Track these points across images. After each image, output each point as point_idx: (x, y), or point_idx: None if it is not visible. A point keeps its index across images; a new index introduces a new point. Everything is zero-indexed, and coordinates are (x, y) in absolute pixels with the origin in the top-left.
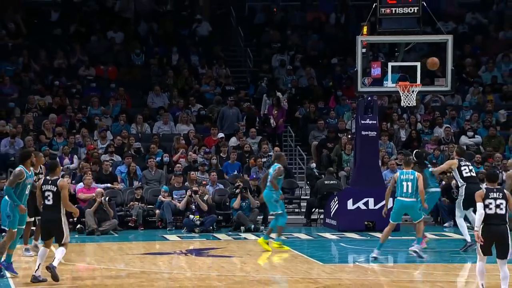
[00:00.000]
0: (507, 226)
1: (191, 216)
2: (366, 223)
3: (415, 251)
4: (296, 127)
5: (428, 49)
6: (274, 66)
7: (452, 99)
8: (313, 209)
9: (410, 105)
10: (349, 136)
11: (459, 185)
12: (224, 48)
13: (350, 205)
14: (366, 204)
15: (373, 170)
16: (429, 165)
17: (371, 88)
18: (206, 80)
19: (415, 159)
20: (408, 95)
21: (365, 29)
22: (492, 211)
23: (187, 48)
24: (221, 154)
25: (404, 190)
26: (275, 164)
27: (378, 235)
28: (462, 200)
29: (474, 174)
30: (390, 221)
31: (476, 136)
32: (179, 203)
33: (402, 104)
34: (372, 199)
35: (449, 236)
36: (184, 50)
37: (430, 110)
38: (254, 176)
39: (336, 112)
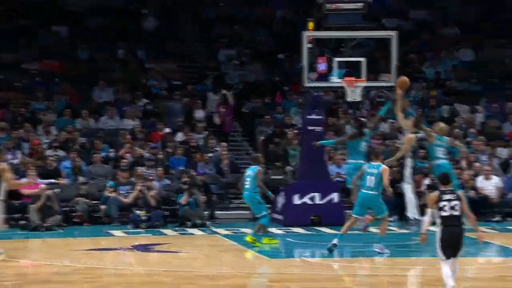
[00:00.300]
0: (463, 227)
1: (137, 212)
2: (312, 218)
3: (376, 252)
4: (243, 122)
5: (374, 45)
6: (221, 61)
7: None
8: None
9: (355, 100)
10: (296, 131)
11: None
12: (172, 42)
13: (296, 200)
14: (312, 199)
15: (319, 165)
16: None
17: (317, 83)
18: (153, 74)
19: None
20: (353, 91)
21: (311, 25)
22: (447, 213)
23: (134, 43)
24: (167, 149)
25: (367, 183)
26: (254, 166)
27: (325, 230)
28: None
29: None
30: (353, 214)
31: (420, 131)
32: (125, 198)
33: (347, 99)
34: (318, 194)
35: (394, 230)
36: (131, 44)
37: (375, 105)
38: (201, 171)
39: (283, 107)
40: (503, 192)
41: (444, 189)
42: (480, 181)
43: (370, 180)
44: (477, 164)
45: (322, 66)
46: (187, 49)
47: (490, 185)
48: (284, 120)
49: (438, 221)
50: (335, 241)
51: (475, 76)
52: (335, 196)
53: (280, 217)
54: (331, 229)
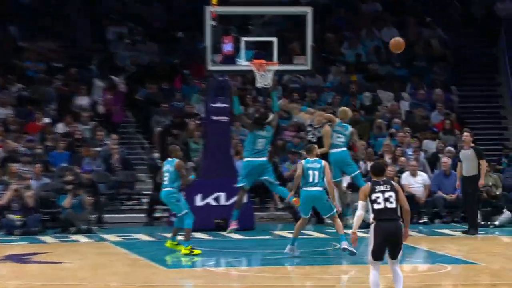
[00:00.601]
0: (400, 222)
1: (11, 216)
2: (216, 221)
3: (344, 249)
4: (136, 111)
5: (286, 23)
6: (110, 39)
7: (313, 79)
8: (156, 206)
9: (266, 86)
10: (198, 122)
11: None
12: (50, 17)
13: (198, 200)
14: (217, 199)
15: (225, 161)
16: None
17: (222, 66)
18: (29, 55)
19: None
20: (263, 75)
21: None
22: (381, 206)
23: (5, 17)
24: (47, 143)
25: (310, 180)
26: (172, 159)
27: (231, 235)
28: None
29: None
30: (302, 215)
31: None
32: None
33: (257, 85)
34: (224, 193)
35: (310, 235)
36: (2, 19)
37: (288, 92)
38: (87, 168)
39: (183, 94)
40: (430, 190)
41: (377, 180)
42: (406, 178)
43: (313, 176)
44: (402, 159)
45: (227, 47)
46: (69, 26)
47: (416, 183)
48: (185, 109)
49: (371, 216)
50: (288, 249)
51: (400, 59)
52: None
53: None
54: (238, 233)
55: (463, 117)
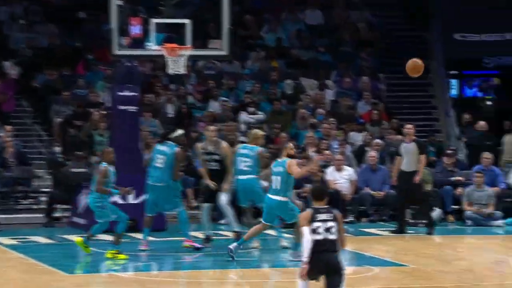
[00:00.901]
0: (338, 254)
1: None
2: None
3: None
4: (33, 100)
5: (200, 4)
6: (2, 20)
7: (230, 65)
8: (56, 205)
9: (179, 72)
10: (103, 112)
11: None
12: None
13: None
14: (124, 197)
15: (133, 155)
16: None
17: (130, 51)
18: None
19: None
20: (176, 61)
21: None
22: (321, 237)
23: None
24: None
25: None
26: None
27: (141, 236)
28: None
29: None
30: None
31: (258, 112)
32: None
33: (168, 72)
34: (133, 191)
35: (226, 236)
36: None
37: (203, 79)
38: None
39: (86, 81)
40: (357, 186)
41: (318, 206)
42: (330, 173)
43: (276, 181)
44: (326, 152)
45: (136, 29)
46: None
47: (342, 178)
48: (88, 97)
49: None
50: (232, 245)
51: (324, 44)
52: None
53: (82, 221)
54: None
55: (391, 107)
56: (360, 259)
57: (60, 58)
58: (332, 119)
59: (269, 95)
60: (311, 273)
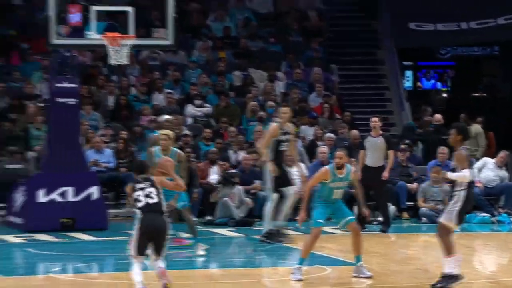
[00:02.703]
0: (164, 216)
1: None
2: (63, 220)
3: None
4: None
5: None
6: None
7: (175, 55)
8: None
9: (121, 63)
10: (40, 105)
11: None
12: None
13: (41, 196)
14: (63, 195)
15: (73, 150)
16: None
17: (68, 40)
18: None
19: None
20: (118, 50)
21: None
22: (143, 203)
23: None
24: None
25: None
26: None
27: (80, 235)
28: None
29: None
30: None
31: (205, 104)
32: None
33: (110, 62)
34: (72, 188)
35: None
36: None
37: (147, 70)
38: None
39: (21, 72)
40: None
41: (138, 178)
42: None
43: None
44: None
45: (75, 17)
46: None
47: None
48: (24, 89)
49: (137, 214)
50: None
51: (273, 32)
52: (93, 191)
53: (18, 220)
54: (88, 234)
55: (344, 99)
56: (312, 259)
57: None
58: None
59: (217, 87)
60: (141, 238)
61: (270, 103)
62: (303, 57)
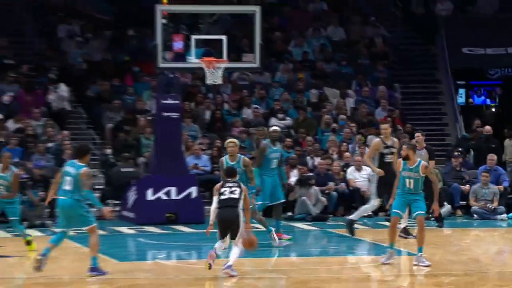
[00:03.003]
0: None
1: None
2: (167, 215)
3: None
4: (88, 107)
5: (233, 21)
6: (61, 37)
7: (261, 76)
8: (108, 201)
9: (216, 83)
10: (149, 118)
11: None
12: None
13: (149, 195)
14: (167, 194)
15: (176, 156)
16: None
17: (172, 64)
18: None
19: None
20: (213, 72)
21: None
22: (226, 196)
23: None
24: None
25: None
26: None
27: (181, 228)
28: None
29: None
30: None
31: (287, 118)
32: None
33: (207, 82)
34: (175, 188)
35: (257, 228)
36: None
37: (237, 88)
38: (40, 164)
39: (134, 91)
40: None
41: (228, 179)
42: (351, 173)
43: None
44: (347, 154)
45: (178, 45)
46: (19, 21)
47: (361, 177)
48: (136, 105)
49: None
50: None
51: (345, 57)
52: (193, 191)
53: (131, 214)
54: (188, 227)
55: (405, 113)
56: (378, 249)
57: (111, 70)
58: (352, 124)
59: (296, 103)
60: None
61: (342, 116)
62: (371, 77)
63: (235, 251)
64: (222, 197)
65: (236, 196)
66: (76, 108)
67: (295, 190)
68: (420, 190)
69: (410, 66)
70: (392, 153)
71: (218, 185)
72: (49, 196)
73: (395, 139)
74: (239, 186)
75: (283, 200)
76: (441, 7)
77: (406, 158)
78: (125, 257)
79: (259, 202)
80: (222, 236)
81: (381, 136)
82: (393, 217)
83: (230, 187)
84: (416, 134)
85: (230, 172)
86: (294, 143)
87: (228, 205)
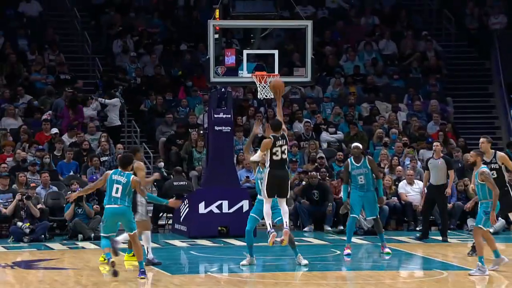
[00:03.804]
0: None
1: (20, 223)
2: (219, 228)
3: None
4: (141, 121)
5: (285, 35)
6: (115, 52)
7: (312, 90)
8: (161, 214)
9: (267, 97)
10: (201, 132)
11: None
12: (57, 31)
13: (201, 208)
14: (219, 207)
15: (228, 170)
16: None
17: (224, 78)
18: (37, 67)
19: None
20: (265, 86)
21: (217, 13)
22: (279, 157)
23: (14, 31)
24: (55, 152)
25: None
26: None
27: (233, 241)
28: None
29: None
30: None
31: (338, 132)
32: (5, 208)
33: (258, 96)
34: (226, 201)
35: (310, 242)
36: (10, 32)
37: (289, 103)
38: (94, 177)
39: (186, 105)
40: None
41: (277, 134)
42: (402, 187)
43: None
44: (399, 168)
45: (230, 59)
46: (75, 39)
47: (413, 191)
48: (188, 119)
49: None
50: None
51: (397, 71)
52: (244, 204)
53: (183, 227)
54: (240, 240)
55: (458, 127)
56: (430, 263)
57: (164, 85)
58: (404, 138)
59: (347, 117)
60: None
61: (393, 130)
62: (422, 91)
63: None
64: (275, 158)
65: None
66: (130, 122)
67: (346, 204)
68: (482, 198)
69: (463, 79)
70: (495, 169)
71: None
72: (74, 195)
73: (501, 156)
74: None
75: (373, 217)
76: (495, 20)
77: (473, 165)
78: (178, 270)
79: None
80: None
81: (481, 151)
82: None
83: (281, 145)
84: (435, 144)
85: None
86: (345, 157)
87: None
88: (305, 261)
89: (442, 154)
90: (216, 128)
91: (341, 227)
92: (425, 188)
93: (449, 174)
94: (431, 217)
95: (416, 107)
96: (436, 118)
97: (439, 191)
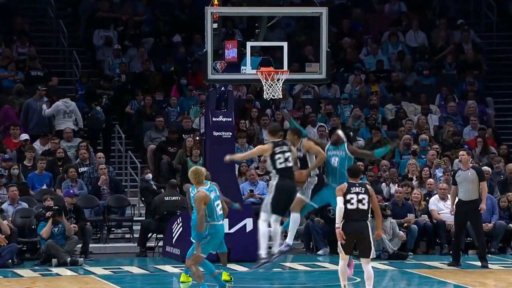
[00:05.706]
0: (367, 222)
1: None
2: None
3: None
4: (126, 125)
5: (296, 25)
6: (96, 45)
7: (328, 90)
8: (150, 234)
9: (275, 97)
10: (197, 138)
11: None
12: (27, 19)
13: None
14: None
15: (228, 182)
16: None
17: (225, 75)
18: (3, 62)
19: None
20: (272, 85)
21: None
22: (354, 206)
23: None
24: (25, 162)
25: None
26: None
27: (234, 267)
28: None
29: (290, 165)
30: None
31: (358, 138)
32: None
33: (265, 97)
34: (227, 220)
35: (325, 267)
36: None
37: (300, 104)
38: (71, 191)
39: (179, 106)
40: None
41: (354, 182)
42: (434, 203)
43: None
44: (430, 181)
45: (231, 53)
46: (49, 29)
47: (446, 208)
48: (182, 123)
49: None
50: None
51: (427, 66)
52: (248, 223)
53: (176, 250)
54: (243, 266)
55: (499, 132)
56: None
57: (153, 83)
58: (436, 146)
59: (369, 121)
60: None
61: (423, 136)
62: (458, 90)
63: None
64: (350, 206)
65: (365, 207)
66: (114, 127)
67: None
68: None
69: (506, 76)
70: None
71: (342, 186)
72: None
73: None
74: (367, 192)
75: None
76: None
77: None
78: None
79: None
80: (348, 251)
81: None
82: None
83: (357, 193)
84: (460, 152)
85: (355, 172)
86: (366, 168)
87: (356, 219)
88: None
89: (471, 164)
90: (215, 133)
91: None
92: (453, 206)
93: (481, 186)
94: (468, 238)
95: (450, 109)
96: (474, 122)
97: (471, 207)
